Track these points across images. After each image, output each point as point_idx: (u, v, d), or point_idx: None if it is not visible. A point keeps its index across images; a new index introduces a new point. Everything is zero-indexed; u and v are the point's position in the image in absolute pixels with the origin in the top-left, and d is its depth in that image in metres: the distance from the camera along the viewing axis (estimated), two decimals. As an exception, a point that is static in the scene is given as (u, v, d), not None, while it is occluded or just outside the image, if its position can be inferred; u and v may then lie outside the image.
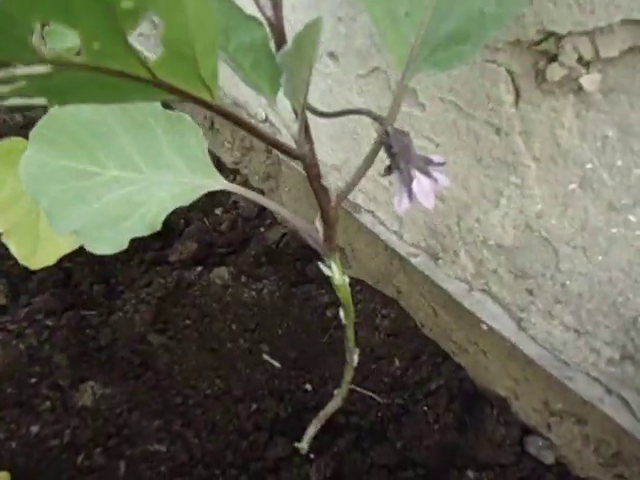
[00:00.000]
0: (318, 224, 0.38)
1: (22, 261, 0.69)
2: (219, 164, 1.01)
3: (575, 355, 0.48)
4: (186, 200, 0.41)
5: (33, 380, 0.59)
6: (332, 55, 0.53)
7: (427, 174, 0.31)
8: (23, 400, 0.58)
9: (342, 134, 0.58)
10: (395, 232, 0.61)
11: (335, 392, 0.59)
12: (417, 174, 0.31)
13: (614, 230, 0.38)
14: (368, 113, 0.30)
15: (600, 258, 0.40)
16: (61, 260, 0.77)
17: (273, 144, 0.30)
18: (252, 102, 0.75)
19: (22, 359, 0.61)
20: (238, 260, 0.80)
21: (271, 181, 0.90)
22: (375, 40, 0.47)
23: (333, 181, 0.66)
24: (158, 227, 0.40)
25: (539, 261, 0.45)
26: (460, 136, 0.45)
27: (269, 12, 0.27)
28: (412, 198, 0.31)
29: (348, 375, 0.55)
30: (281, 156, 0.78)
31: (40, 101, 0.21)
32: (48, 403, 0.57)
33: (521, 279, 0.48)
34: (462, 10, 0.27)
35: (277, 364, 0.71)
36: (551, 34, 0.34)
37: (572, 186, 0.39)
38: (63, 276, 0.76)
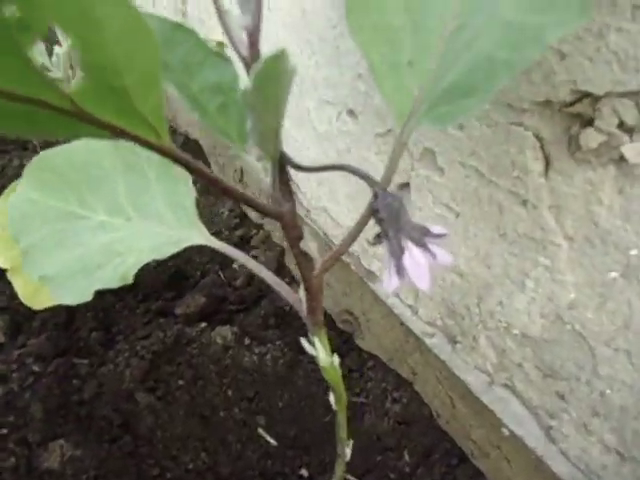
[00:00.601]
0: (302, 294, 0.33)
1: (25, 300, 0.67)
2: (245, 219, 0.99)
3: (618, 484, 0.38)
4: (164, 253, 0.37)
5: (4, 431, 0.55)
6: (351, 113, 0.50)
7: (422, 247, 0.26)
8: (-11, 452, 0.53)
9: (357, 193, 0.54)
10: (410, 306, 0.54)
11: (327, 487, 0.51)
12: (410, 246, 0.26)
13: (667, 334, 0.31)
14: (354, 170, 0.26)
15: (649, 367, 0.32)
16: (67, 302, 0.75)
17: (240, 198, 0.26)
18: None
19: (-2, 406, 0.57)
20: (245, 319, 0.75)
21: (292, 239, 0.86)
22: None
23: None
24: (129, 280, 0.36)
25: (572, 360, 0.38)
26: (482, 206, 0.40)
27: (245, 51, 0.24)
28: (402, 275, 0.25)
29: (339, 470, 0.47)
30: (303, 213, 0.74)
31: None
32: (13, 460, 0.52)
33: (551, 379, 0.40)
34: (469, 57, 0.23)
35: (273, 441, 0.64)
36: (586, 95, 0.29)
37: (613, 275, 0.32)
38: (65, 319, 0.73)
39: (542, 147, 0.33)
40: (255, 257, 0.91)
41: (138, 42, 0.17)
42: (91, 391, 0.61)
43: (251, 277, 0.87)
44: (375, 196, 0.25)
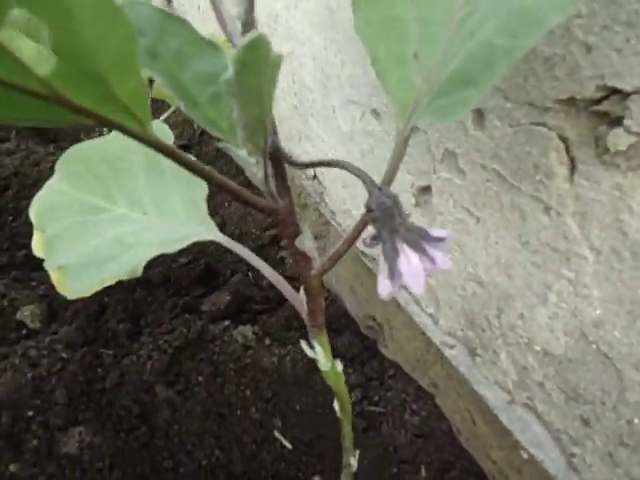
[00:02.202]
0: (303, 295, 0.32)
1: (59, 290, 0.69)
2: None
3: (646, 523, 0.35)
4: (171, 247, 0.37)
5: (29, 413, 0.57)
6: (375, 113, 0.49)
7: (419, 250, 0.24)
8: (14, 433, 0.55)
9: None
10: (430, 315, 0.52)
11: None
12: (406, 249, 0.24)
13: (702, 361, 0.27)
14: (348, 167, 0.24)
15: (682, 396, 0.29)
16: (100, 293, 0.78)
17: (233, 192, 0.25)
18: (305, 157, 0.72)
19: (26, 389, 0.59)
20: (268, 320, 0.75)
21: (320, 241, 0.86)
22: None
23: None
24: (138, 273, 0.37)
25: (597, 383, 0.34)
26: (503, 212, 0.37)
27: (238, 40, 0.24)
28: (396, 280, 0.24)
29: (347, 480, 0.46)
30: (329, 215, 0.73)
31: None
32: (35, 442, 0.54)
33: (574, 402, 0.37)
34: (471, 46, 0.21)
35: (288, 444, 0.63)
36: (614, 91, 0.26)
37: (643, 291, 0.29)
38: (97, 309, 0.75)
39: (567, 149, 0.31)
40: (283, 258, 0.91)
41: (110, 26, 0.17)
42: (113, 381, 0.63)
43: (279, 278, 0.87)
44: (369, 195, 0.24)
